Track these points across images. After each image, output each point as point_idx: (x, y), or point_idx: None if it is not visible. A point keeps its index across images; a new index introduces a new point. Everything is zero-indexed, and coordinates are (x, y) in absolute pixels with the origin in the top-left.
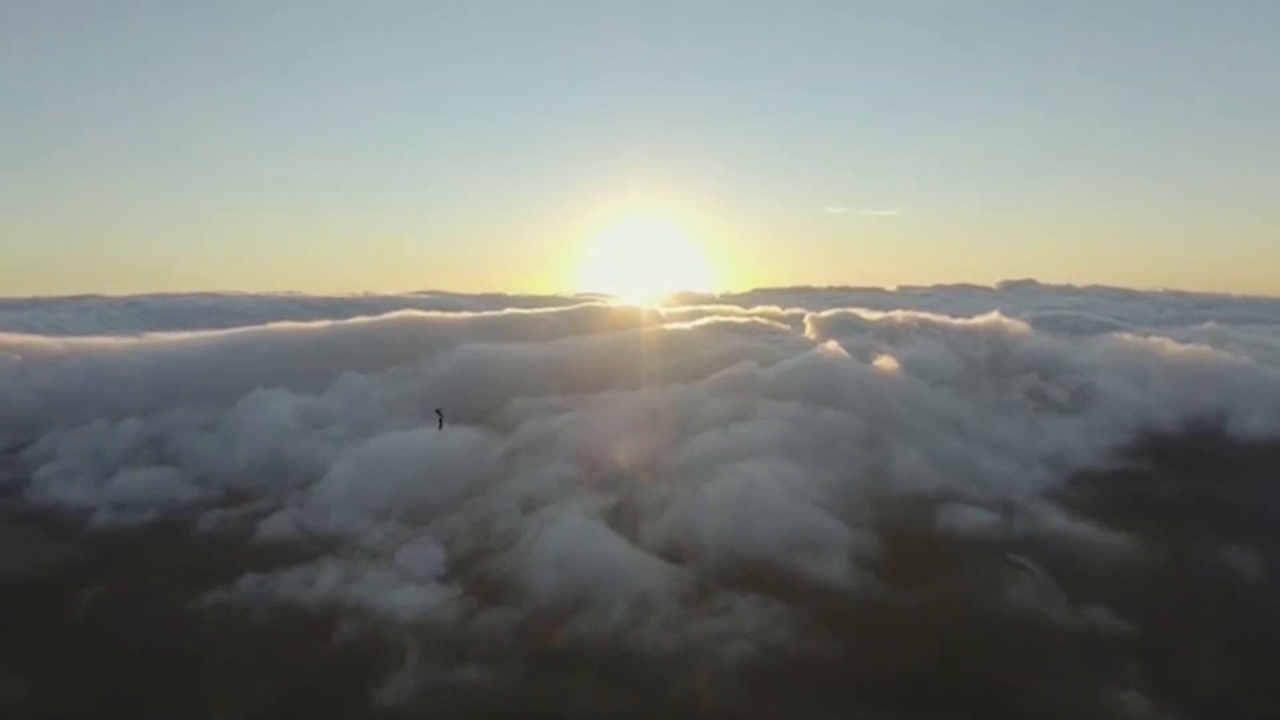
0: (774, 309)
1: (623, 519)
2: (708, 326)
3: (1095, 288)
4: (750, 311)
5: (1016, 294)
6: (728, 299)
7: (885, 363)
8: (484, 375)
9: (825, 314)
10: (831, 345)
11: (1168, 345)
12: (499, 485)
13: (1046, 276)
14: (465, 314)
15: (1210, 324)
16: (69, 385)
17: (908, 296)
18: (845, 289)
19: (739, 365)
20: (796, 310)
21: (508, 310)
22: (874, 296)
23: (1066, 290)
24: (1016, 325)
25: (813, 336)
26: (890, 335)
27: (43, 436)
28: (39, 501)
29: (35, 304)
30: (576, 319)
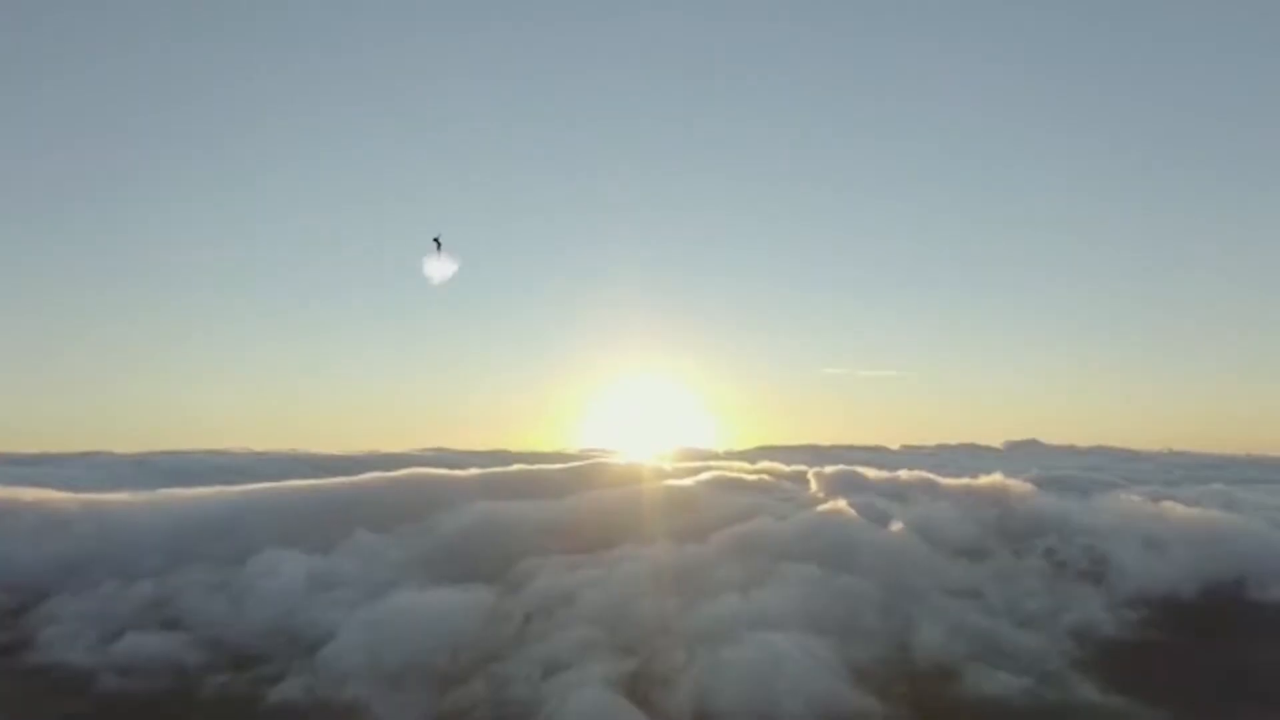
0: (778, 465)
1: (642, 687)
2: (713, 482)
3: (1099, 448)
4: (755, 467)
5: (1021, 454)
6: (732, 455)
7: (897, 524)
8: (495, 533)
9: (829, 470)
10: (841, 504)
11: (1178, 508)
12: (517, 650)
13: (1049, 436)
14: (473, 471)
15: (1217, 485)
16: (80, 547)
17: (912, 456)
18: (849, 447)
19: (751, 524)
20: (800, 467)
21: (515, 466)
22: (878, 455)
23: (1070, 450)
24: (1024, 486)
25: (818, 494)
26: (896, 494)
27: (51, 598)
28: (40, 663)
29: (46, 460)
30: (584, 475)
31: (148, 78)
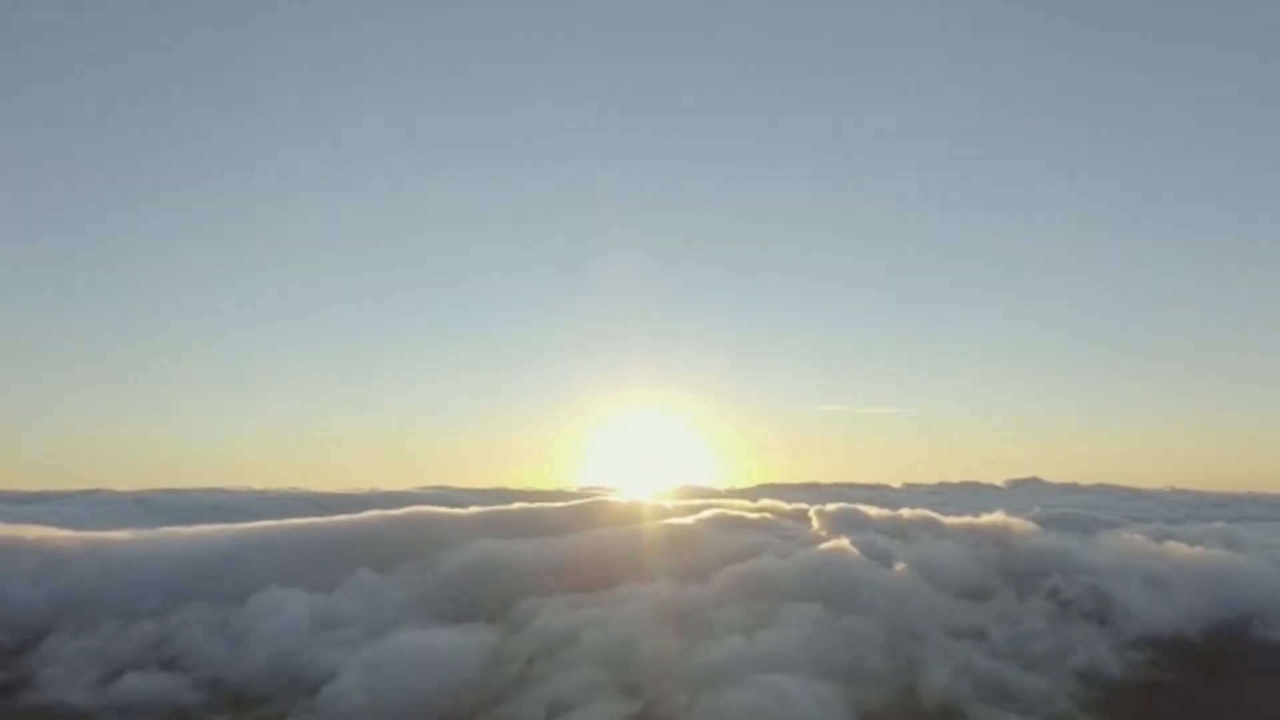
0: (779, 503)
1: None
2: (714, 520)
3: (1101, 485)
4: (756, 505)
5: (1023, 492)
6: (733, 493)
7: (899, 564)
8: (497, 572)
9: (831, 508)
10: (844, 543)
11: (1182, 548)
12: (520, 691)
13: (1051, 474)
14: (474, 509)
15: (1219, 524)
16: (80, 586)
17: (914, 494)
18: (851, 485)
19: (753, 563)
20: (800, 505)
21: (517, 505)
22: (880, 493)
23: (1072, 488)
24: (1026, 525)
25: (820, 532)
26: (897, 532)
27: (50, 637)
28: (40, 703)
29: (45, 498)
30: (585, 514)
31: (148, 116)
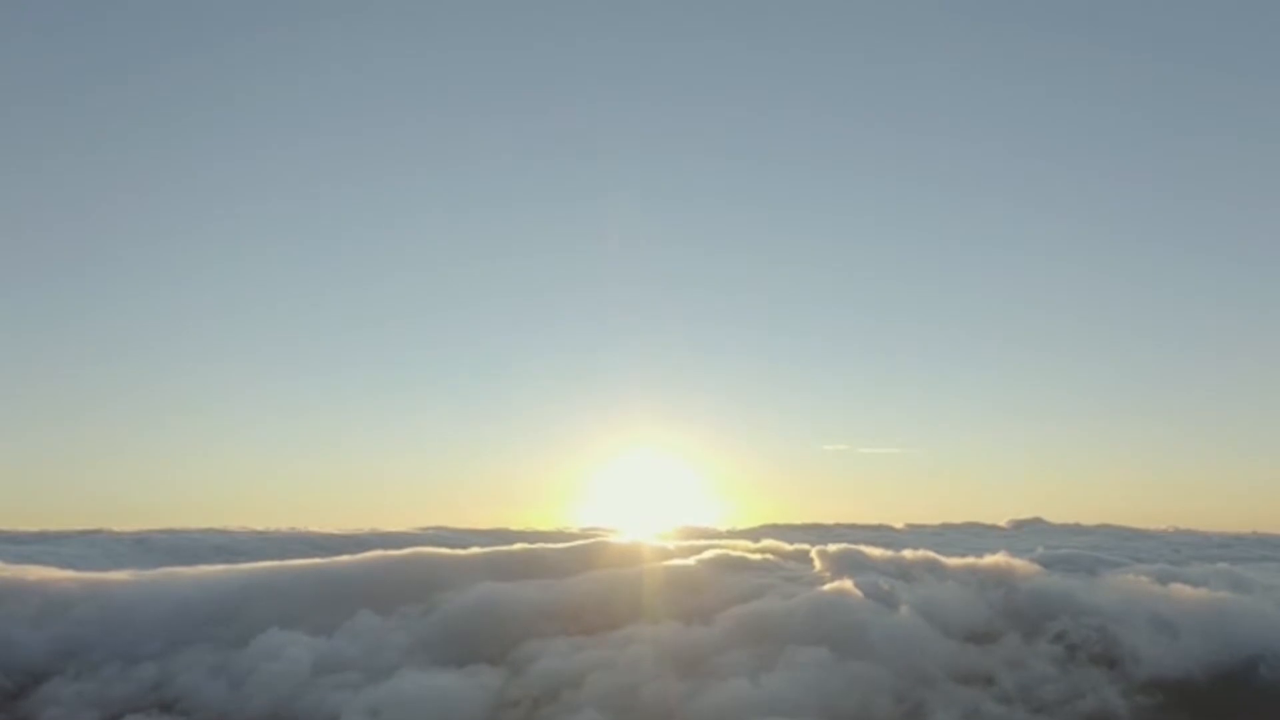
0: (781, 544)
1: None
2: (716, 561)
3: (1104, 526)
4: (758, 546)
5: (1026, 533)
6: (735, 534)
7: (904, 606)
8: (499, 614)
9: (833, 549)
10: (847, 584)
11: (1187, 589)
12: None
13: (1054, 514)
14: (475, 550)
15: (1224, 565)
16: (81, 628)
17: (917, 535)
18: (853, 526)
19: (757, 604)
20: (803, 545)
21: (518, 545)
22: (883, 534)
23: (1076, 529)
24: (1029, 566)
25: (823, 573)
26: (900, 574)
27: (50, 680)
28: None
29: (43, 538)
30: (587, 555)
31: (152, 162)
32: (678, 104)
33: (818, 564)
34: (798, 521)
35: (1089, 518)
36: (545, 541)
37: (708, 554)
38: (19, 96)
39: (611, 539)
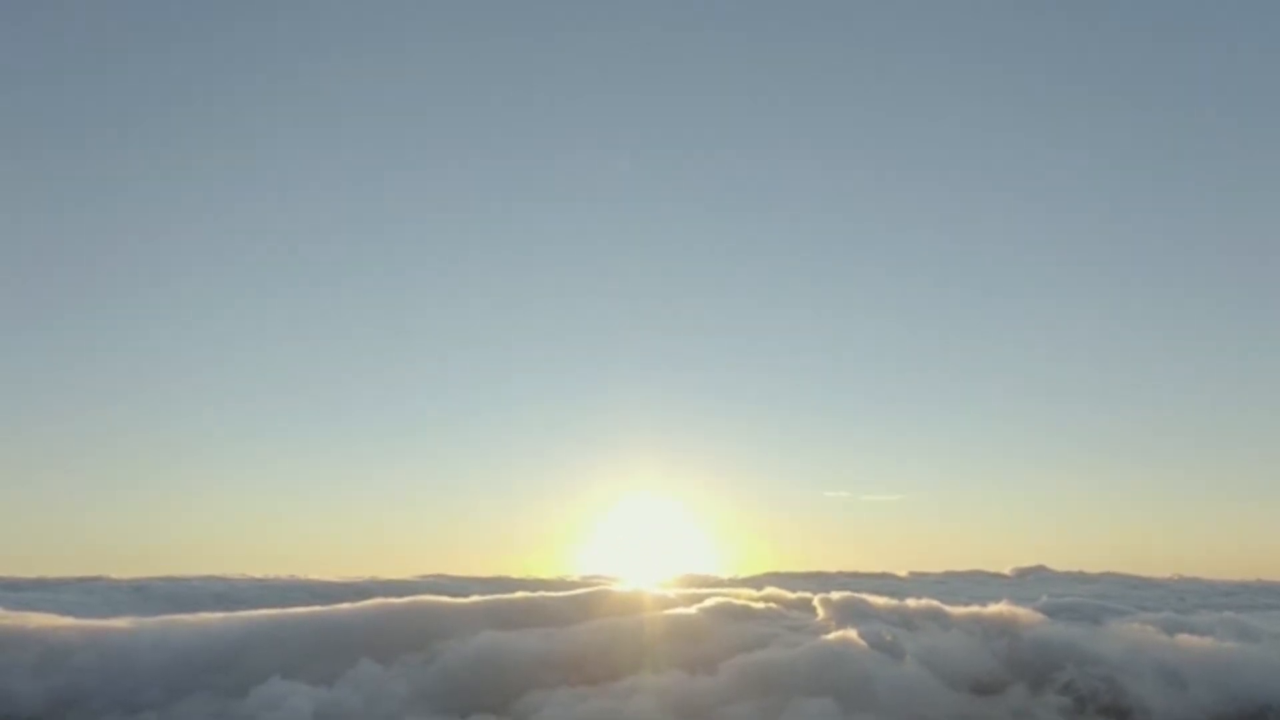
0: (783, 592)
1: None
2: (719, 610)
3: (1108, 574)
4: (760, 594)
5: (1030, 580)
6: (736, 582)
7: (909, 656)
8: (500, 664)
9: (836, 597)
10: (851, 634)
11: (1194, 639)
12: None
13: (1057, 562)
14: (476, 598)
15: (1229, 613)
16: (81, 677)
17: (920, 583)
18: (856, 574)
19: (760, 654)
20: (805, 593)
21: (518, 594)
22: (887, 582)
23: (1080, 577)
24: (1034, 615)
25: (826, 622)
26: (903, 622)
27: None
28: None
29: (41, 585)
30: (589, 603)
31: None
32: (691, 154)
33: (821, 612)
34: (800, 569)
35: (1092, 565)
36: (546, 589)
37: (710, 602)
38: None
39: (613, 587)
